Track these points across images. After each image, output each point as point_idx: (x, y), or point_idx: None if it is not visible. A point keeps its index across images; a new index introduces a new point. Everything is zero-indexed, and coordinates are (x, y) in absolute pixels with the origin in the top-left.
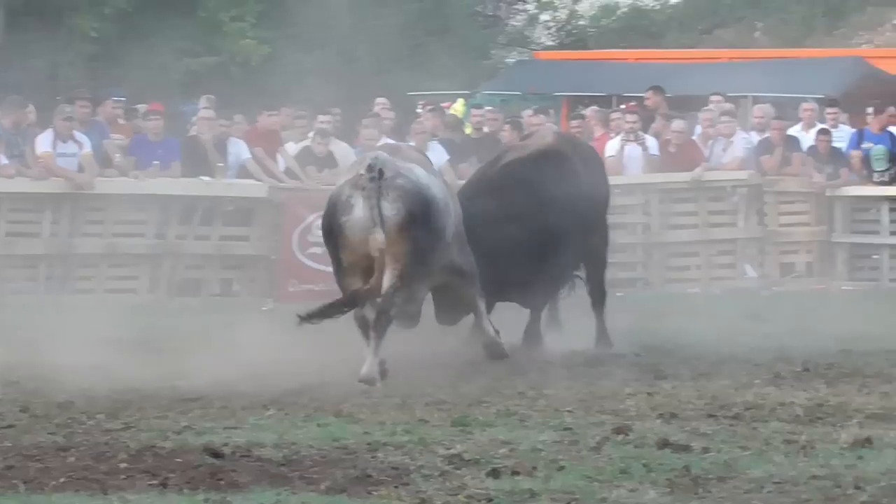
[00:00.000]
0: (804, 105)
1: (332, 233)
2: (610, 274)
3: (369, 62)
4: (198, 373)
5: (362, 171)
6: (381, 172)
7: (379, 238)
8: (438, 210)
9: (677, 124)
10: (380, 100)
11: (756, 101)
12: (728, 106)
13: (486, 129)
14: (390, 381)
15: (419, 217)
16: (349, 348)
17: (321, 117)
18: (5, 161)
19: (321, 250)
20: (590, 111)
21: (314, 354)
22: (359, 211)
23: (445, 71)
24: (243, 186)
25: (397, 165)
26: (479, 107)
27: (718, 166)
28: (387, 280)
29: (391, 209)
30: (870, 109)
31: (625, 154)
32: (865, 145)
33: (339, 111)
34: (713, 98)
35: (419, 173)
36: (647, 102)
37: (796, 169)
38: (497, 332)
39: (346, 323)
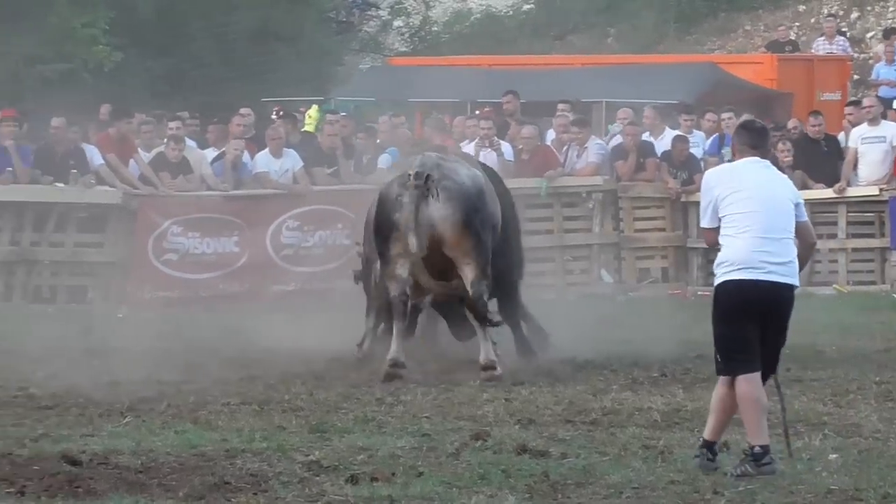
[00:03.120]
0: (645, 111)
1: (384, 228)
2: None
3: (221, 69)
4: (54, 380)
5: (410, 173)
6: (427, 177)
7: (413, 242)
8: (485, 202)
9: (527, 130)
10: (244, 110)
11: (609, 106)
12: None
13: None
14: (248, 389)
15: (472, 213)
16: (207, 355)
17: (172, 123)
18: None
19: (176, 256)
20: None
21: (171, 361)
22: (409, 208)
23: (298, 77)
24: (97, 193)
25: (443, 168)
26: (334, 112)
27: (573, 172)
28: (470, 275)
29: (443, 210)
30: (727, 114)
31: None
32: (726, 150)
33: (195, 117)
34: (560, 106)
35: (463, 172)
36: (505, 107)
37: (651, 174)
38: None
39: (205, 330)
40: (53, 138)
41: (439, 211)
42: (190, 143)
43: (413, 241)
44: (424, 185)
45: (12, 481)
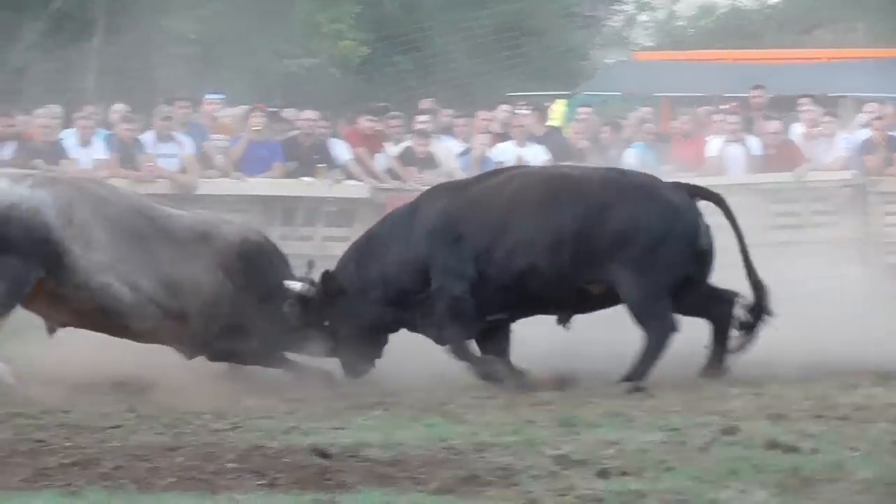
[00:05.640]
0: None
1: None
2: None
3: (467, 63)
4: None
5: None
6: None
7: None
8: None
9: (773, 125)
10: (504, 106)
11: (857, 101)
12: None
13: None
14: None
15: None
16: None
17: (420, 118)
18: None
19: None
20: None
21: (417, 354)
22: None
23: (544, 72)
24: (345, 187)
25: None
26: (586, 106)
27: (821, 167)
28: None
29: None
30: None
31: (726, 155)
32: None
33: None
34: (804, 100)
35: None
36: (753, 101)
37: None
38: None
39: None
40: (302, 132)
41: None
42: (440, 137)
43: None
44: None
45: (263, 473)
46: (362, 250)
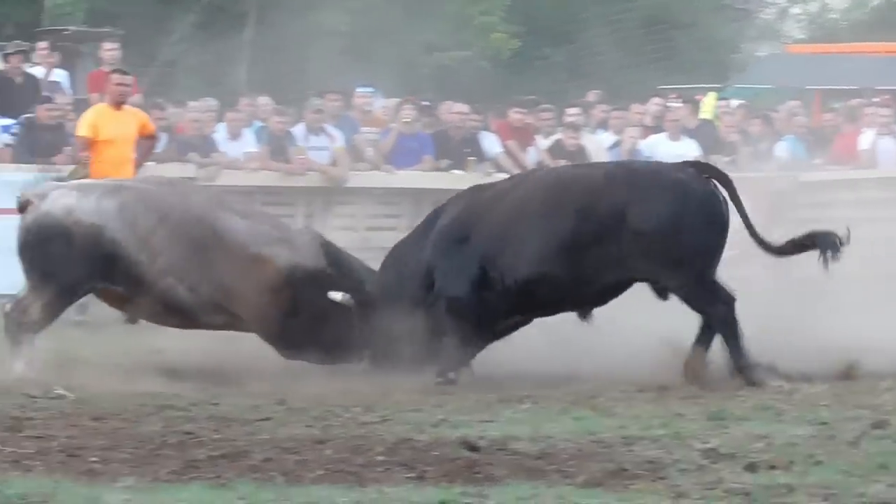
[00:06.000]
0: None
1: None
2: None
3: (616, 56)
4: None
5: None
6: (24, 204)
7: None
8: (50, 241)
9: None
10: (656, 99)
11: None
12: None
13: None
14: (644, 375)
15: (33, 244)
16: (603, 340)
17: (570, 111)
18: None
19: None
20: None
21: (565, 347)
22: None
23: (695, 65)
24: (495, 180)
25: (44, 195)
26: (725, 100)
27: None
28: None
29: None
30: None
31: (878, 148)
32: None
33: (591, 105)
34: None
35: (62, 202)
36: None
37: None
38: None
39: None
40: (452, 125)
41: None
42: (595, 131)
43: None
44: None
45: (412, 466)
46: (397, 252)
